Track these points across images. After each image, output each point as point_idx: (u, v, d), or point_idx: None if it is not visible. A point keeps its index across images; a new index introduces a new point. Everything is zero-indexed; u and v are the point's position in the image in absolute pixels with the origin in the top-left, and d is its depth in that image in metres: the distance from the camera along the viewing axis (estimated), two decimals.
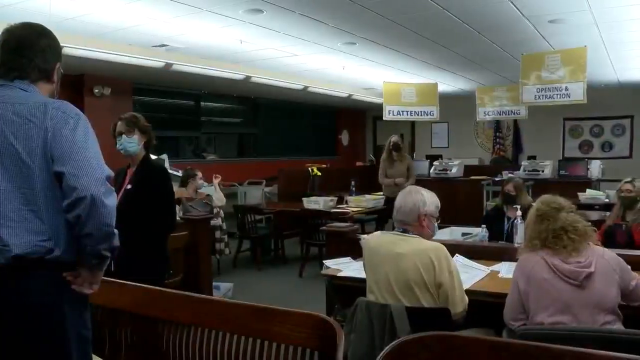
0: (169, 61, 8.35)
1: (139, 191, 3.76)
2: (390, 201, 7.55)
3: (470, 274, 3.74)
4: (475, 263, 4.04)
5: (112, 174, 2.02)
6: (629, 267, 2.85)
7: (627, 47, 8.08)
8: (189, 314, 2.54)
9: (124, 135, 3.81)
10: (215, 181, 7.96)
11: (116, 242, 2.01)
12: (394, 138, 8.98)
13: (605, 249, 2.93)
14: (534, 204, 3.22)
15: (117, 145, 3.84)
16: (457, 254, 4.11)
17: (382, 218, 9.00)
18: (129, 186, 3.79)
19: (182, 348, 2.52)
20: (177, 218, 5.45)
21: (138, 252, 3.59)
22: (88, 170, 1.91)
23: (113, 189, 2.00)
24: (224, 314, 2.45)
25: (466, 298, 3.15)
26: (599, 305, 2.70)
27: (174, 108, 11.98)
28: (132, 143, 3.81)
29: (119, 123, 3.85)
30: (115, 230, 1.99)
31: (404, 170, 8.88)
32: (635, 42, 7.58)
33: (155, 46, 7.82)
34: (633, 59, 8.94)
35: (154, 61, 8.22)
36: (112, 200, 1.96)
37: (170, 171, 7.92)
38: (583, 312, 2.69)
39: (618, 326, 2.70)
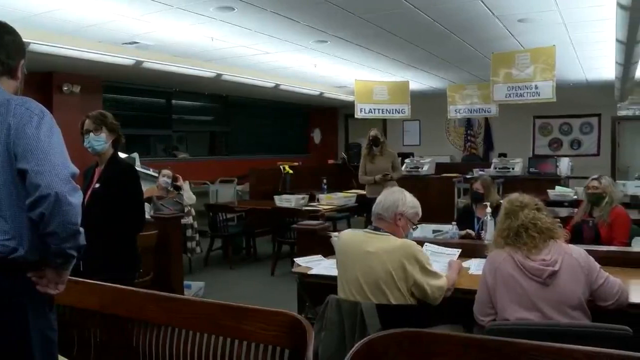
0: (139, 59, 8.27)
1: (107, 190, 3.72)
2: (371, 202, 7.13)
3: (442, 262, 3.79)
4: (444, 248, 4.12)
5: (77, 171, 1.98)
6: (599, 266, 2.88)
7: (594, 46, 8.19)
8: (160, 314, 2.52)
9: (91, 133, 3.76)
10: (182, 182, 7.86)
11: (82, 241, 1.97)
12: (373, 132, 8.26)
13: (574, 246, 2.98)
14: (502, 201, 3.27)
15: (85, 143, 3.79)
16: (426, 243, 4.17)
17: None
18: (97, 185, 3.75)
19: (152, 347, 2.50)
20: (148, 217, 5.41)
21: (107, 251, 3.57)
22: (52, 168, 1.87)
23: (78, 186, 1.95)
24: (195, 312, 2.44)
25: (441, 282, 3.17)
26: (564, 303, 2.73)
27: (145, 106, 11.86)
28: (99, 141, 3.77)
29: (87, 121, 3.81)
30: (81, 229, 1.95)
31: (386, 166, 8.04)
32: (602, 42, 7.69)
33: (126, 43, 7.73)
34: (600, 59, 9.06)
35: (124, 58, 8.13)
36: (77, 198, 1.92)
37: (141, 170, 7.87)
38: (549, 308, 2.73)
39: (585, 322, 2.74)
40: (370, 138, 8.22)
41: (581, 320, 2.73)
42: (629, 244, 4.78)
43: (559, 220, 3.20)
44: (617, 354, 1.65)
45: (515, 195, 3.12)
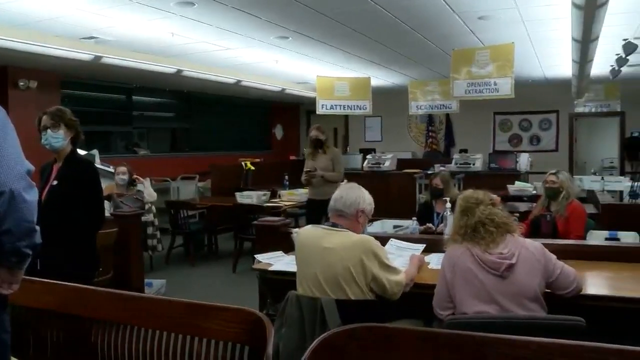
0: (98, 54, 8.14)
1: (65, 187, 3.66)
2: (312, 203, 6.90)
3: (405, 257, 3.84)
4: (409, 244, 4.19)
5: (32, 168, 1.93)
6: (554, 256, 2.94)
7: (552, 44, 8.33)
8: (120, 312, 2.49)
9: (49, 130, 3.69)
10: (142, 180, 7.74)
11: (37, 239, 1.92)
12: (313, 133, 7.31)
13: (529, 240, 3.03)
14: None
15: (42, 140, 3.72)
16: (391, 239, 4.24)
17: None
18: (55, 182, 3.69)
19: (111, 347, 2.47)
20: (108, 214, 5.35)
21: (65, 249, 3.51)
22: (6, 165, 1.82)
23: (34, 183, 1.91)
24: (154, 311, 2.42)
25: (400, 277, 3.21)
26: (521, 295, 2.78)
27: (105, 102, 11.70)
28: (57, 138, 3.70)
29: (44, 117, 3.73)
30: (37, 227, 1.91)
31: (326, 164, 7.15)
32: (559, 40, 7.82)
33: (84, 38, 7.61)
34: (557, 56, 9.22)
35: (83, 54, 8.00)
36: (33, 196, 1.88)
37: (101, 167, 7.76)
38: (507, 301, 2.77)
39: (541, 314, 2.79)
40: (312, 139, 7.36)
41: (538, 312, 2.78)
42: (584, 238, 4.88)
43: (518, 214, 3.25)
44: (569, 344, 1.68)
45: (469, 192, 3.17)
